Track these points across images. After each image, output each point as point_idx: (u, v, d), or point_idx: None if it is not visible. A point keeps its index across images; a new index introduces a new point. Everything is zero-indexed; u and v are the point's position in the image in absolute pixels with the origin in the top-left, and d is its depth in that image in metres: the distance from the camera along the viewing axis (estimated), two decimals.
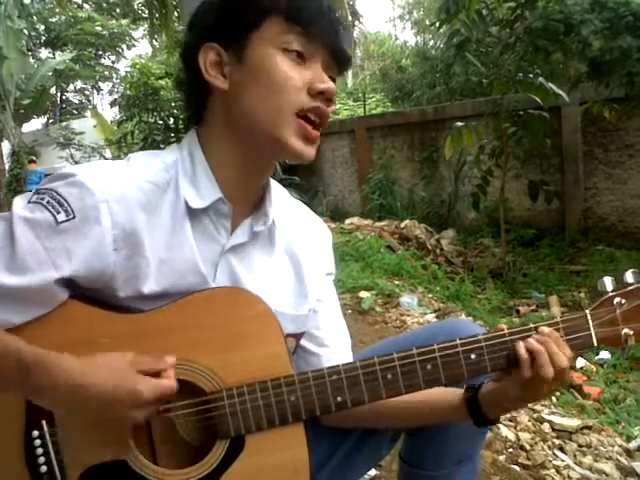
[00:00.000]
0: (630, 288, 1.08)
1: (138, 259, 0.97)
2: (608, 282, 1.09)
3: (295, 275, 1.17)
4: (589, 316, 1.07)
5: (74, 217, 0.93)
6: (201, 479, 0.99)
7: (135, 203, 0.97)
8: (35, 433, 0.96)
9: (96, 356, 0.91)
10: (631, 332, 1.07)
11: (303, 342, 1.18)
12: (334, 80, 1.06)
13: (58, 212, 0.92)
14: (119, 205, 0.95)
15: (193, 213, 1.03)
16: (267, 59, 1.00)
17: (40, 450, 0.96)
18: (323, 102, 1.02)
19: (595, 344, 1.07)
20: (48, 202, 0.93)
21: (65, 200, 0.93)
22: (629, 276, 1.08)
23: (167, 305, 1.00)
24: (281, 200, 1.19)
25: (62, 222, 0.92)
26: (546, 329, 1.05)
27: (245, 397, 0.99)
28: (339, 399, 1.03)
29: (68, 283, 0.95)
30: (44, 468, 0.96)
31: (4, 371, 0.87)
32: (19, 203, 0.95)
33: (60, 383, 0.87)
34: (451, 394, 1.14)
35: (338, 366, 1.02)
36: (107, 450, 0.96)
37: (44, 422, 0.95)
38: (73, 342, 0.95)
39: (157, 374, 0.93)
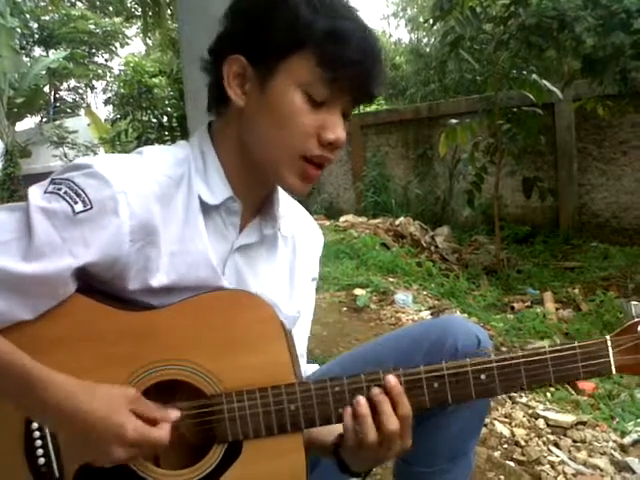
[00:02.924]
0: None
1: (151, 251, 0.97)
2: (634, 307, 1.05)
3: (289, 278, 1.19)
4: (609, 342, 1.02)
5: (92, 208, 0.92)
6: None
7: (151, 195, 0.97)
8: (34, 425, 0.97)
9: (98, 385, 0.92)
10: None
11: None
12: (353, 106, 1.05)
13: (75, 202, 0.92)
14: (136, 197, 0.95)
15: (206, 209, 1.04)
16: (287, 96, 0.98)
17: (39, 442, 0.97)
18: (329, 151, 1.02)
19: (614, 372, 1.03)
20: (65, 192, 0.93)
21: (82, 190, 0.93)
22: None
23: (174, 304, 1.00)
24: (284, 205, 1.20)
25: (79, 212, 0.92)
26: (392, 380, 0.99)
27: (244, 403, 0.98)
28: (340, 411, 1.01)
29: (80, 273, 0.95)
30: (42, 460, 0.97)
31: (4, 384, 0.89)
32: (35, 193, 0.94)
33: (53, 403, 0.89)
34: (331, 435, 1.08)
35: (342, 377, 1.01)
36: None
37: None
38: (78, 337, 0.96)
39: (153, 422, 0.93)
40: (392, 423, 0.97)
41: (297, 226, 1.24)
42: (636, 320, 1.04)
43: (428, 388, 1.00)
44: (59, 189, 0.93)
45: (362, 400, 0.98)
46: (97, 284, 0.98)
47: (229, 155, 1.07)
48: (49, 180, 0.96)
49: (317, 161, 1.02)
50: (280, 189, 1.16)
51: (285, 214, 1.20)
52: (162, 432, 0.92)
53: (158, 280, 0.99)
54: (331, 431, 1.07)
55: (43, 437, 0.97)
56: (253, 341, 1.01)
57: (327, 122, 1.00)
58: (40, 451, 0.97)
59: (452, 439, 1.22)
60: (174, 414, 0.95)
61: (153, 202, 0.97)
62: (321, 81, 0.97)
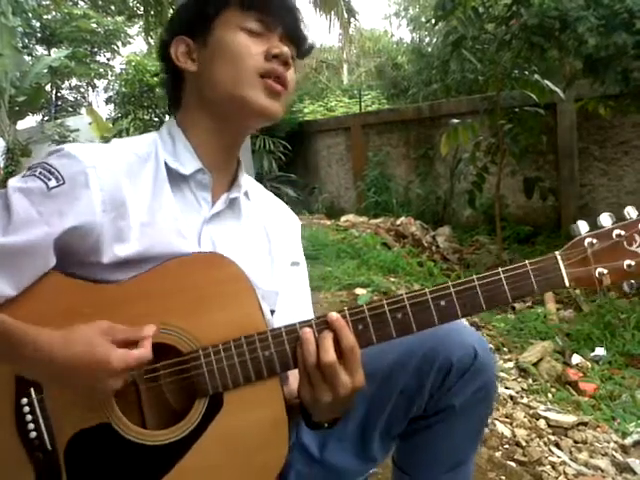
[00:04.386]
0: (602, 230, 1.06)
1: (122, 222, 1.03)
2: (581, 225, 1.07)
3: (268, 250, 1.23)
4: (559, 257, 1.05)
5: (64, 183, 1.00)
6: (183, 438, 1.01)
7: (119, 170, 1.05)
8: (24, 400, 1.00)
9: (73, 328, 0.95)
10: (605, 271, 1.04)
11: None
12: (294, 59, 1.17)
13: (49, 179, 1.00)
14: (105, 171, 1.03)
15: (174, 180, 1.11)
16: (227, 37, 1.11)
17: (29, 417, 1.00)
18: (279, 64, 1.12)
19: (567, 284, 1.05)
20: (40, 172, 1.01)
21: (55, 169, 1.02)
22: (603, 219, 1.06)
23: (146, 272, 1.04)
24: (255, 189, 1.29)
25: (53, 188, 1.00)
26: (333, 316, 1.02)
27: (221, 355, 1.02)
28: None
29: (59, 245, 1.00)
30: (34, 434, 1.00)
31: None
32: (14, 179, 1.03)
33: (38, 355, 0.93)
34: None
35: (310, 320, 1.04)
36: (92, 414, 1.00)
37: (32, 390, 1.00)
38: (56, 312, 1.00)
39: (133, 343, 0.96)
40: (328, 356, 0.99)
41: (270, 212, 1.29)
42: (583, 235, 1.06)
43: (393, 320, 1.03)
44: (35, 171, 1.02)
45: (307, 329, 1.02)
46: (74, 266, 1.03)
47: (196, 132, 1.16)
48: (28, 168, 1.04)
49: (273, 75, 1.11)
50: (245, 174, 1.24)
51: (256, 198, 1.27)
52: (143, 350, 0.95)
53: (129, 249, 1.03)
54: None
55: (33, 411, 1.00)
56: (224, 298, 1.05)
57: (269, 45, 1.12)
58: (31, 425, 1.00)
59: (451, 449, 1.22)
60: (150, 328, 0.98)
61: (122, 176, 1.05)
62: (251, 19, 1.12)
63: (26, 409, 1.00)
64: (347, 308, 1.04)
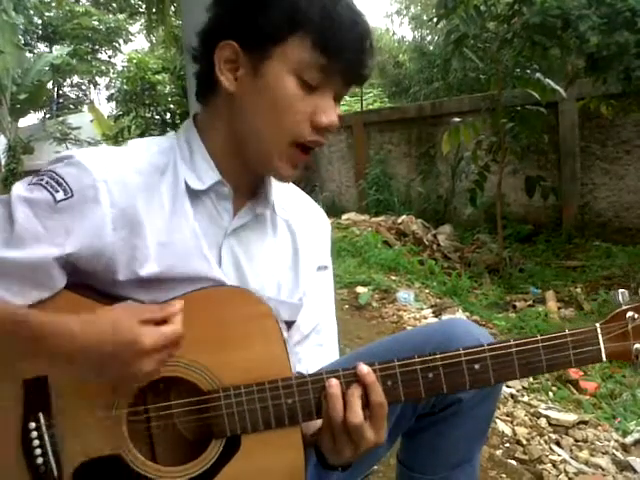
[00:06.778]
0: None
1: (137, 240, 0.98)
2: (622, 295, 1.04)
3: (292, 263, 1.18)
4: (599, 330, 1.03)
5: (72, 196, 0.94)
6: (195, 477, 0.98)
7: (134, 185, 0.98)
8: (32, 425, 0.96)
9: (98, 312, 0.91)
10: None
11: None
12: (345, 89, 1.06)
13: (57, 191, 0.94)
14: (117, 186, 0.96)
15: (193, 195, 1.04)
16: (280, 81, 0.98)
17: (37, 442, 0.96)
18: (322, 135, 1.03)
19: (604, 359, 1.03)
20: (47, 182, 0.95)
21: (63, 179, 0.95)
22: None
23: (167, 301, 0.99)
24: (283, 188, 1.19)
25: (60, 201, 0.94)
26: (364, 369, 0.98)
27: (242, 398, 0.99)
28: None
29: (67, 264, 0.95)
30: (40, 460, 0.96)
31: (5, 333, 0.89)
32: (19, 186, 0.96)
33: (63, 342, 0.88)
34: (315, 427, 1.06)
35: (338, 370, 1.00)
36: (102, 443, 0.96)
37: (41, 414, 0.96)
38: None
39: (161, 322, 0.91)
40: (356, 417, 0.96)
41: (298, 212, 1.22)
42: (624, 308, 1.03)
43: (423, 379, 1.00)
44: (41, 180, 0.96)
45: (333, 381, 0.98)
46: (91, 280, 0.98)
47: (217, 143, 1.07)
48: (34, 174, 0.98)
49: (311, 145, 1.03)
50: None
51: (283, 200, 1.18)
52: (173, 325, 0.90)
53: (148, 269, 0.98)
54: (316, 423, 1.06)
55: (41, 436, 0.97)
56: (248, 336, 1.01)
57: (320, 106, 1.00)
58: (38, 450, 0.97)
59: (456, 446, 1.21)
60: (178, 304, 0.93)
61: (136, 191, 0.98)
62: (315, 65, 0.98)
63: (34, 434, 0.96)
64: (377, 362, 1.00)
